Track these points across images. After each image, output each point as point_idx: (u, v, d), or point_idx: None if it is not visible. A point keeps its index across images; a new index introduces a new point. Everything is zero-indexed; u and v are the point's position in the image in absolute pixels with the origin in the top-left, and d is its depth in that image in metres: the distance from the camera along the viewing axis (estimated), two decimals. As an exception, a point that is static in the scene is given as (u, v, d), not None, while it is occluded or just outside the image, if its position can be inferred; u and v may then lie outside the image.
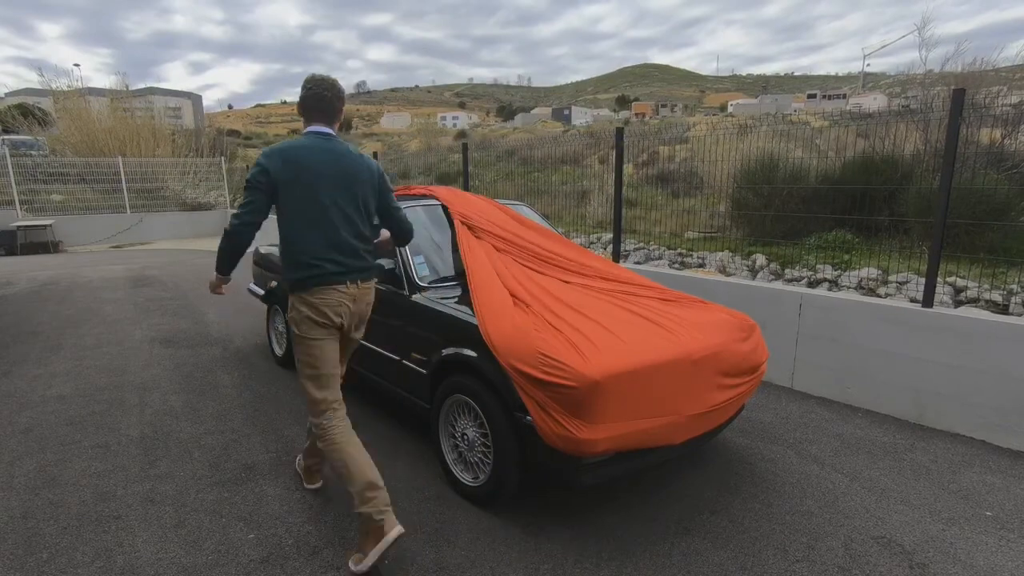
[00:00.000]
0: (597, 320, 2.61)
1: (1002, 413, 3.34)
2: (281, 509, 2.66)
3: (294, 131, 77.30)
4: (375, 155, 9.51)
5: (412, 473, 2.99)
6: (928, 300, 3.70)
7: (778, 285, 4.71)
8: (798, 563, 2.30)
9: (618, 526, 2.54)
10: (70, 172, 15.32)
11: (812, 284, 7.38)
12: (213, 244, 14.16)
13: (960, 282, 6.53)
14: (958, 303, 6.30)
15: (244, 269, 6.82)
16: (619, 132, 5.50)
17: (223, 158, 18.26)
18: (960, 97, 3.53)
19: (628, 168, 15.47)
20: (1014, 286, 6.31)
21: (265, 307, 5.10)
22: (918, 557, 2.34)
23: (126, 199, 15.02)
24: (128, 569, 2.24)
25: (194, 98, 79.30)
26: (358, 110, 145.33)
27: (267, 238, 7.36)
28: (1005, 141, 8.67)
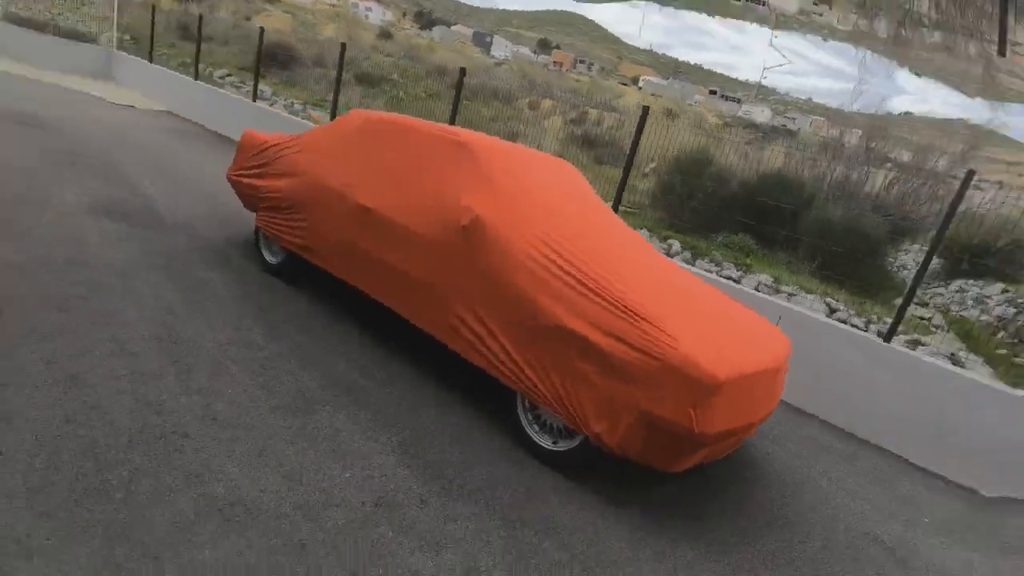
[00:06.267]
0: (713, 326, 2.80)
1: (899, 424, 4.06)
2: (365, 447, 2.54)
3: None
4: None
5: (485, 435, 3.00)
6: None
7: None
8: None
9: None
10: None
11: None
12: (95, 87, 11.78)
13: (834, 303, 7.64)
14: (831, 322, 7.38)
15: (226, 155, 5.61)
16: (645, 109, 5.56)
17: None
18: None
19: (556, 120, 15.44)
20: (873, 316, 7.61)
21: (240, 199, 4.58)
22: (899, 553, 2.93)
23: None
24: (237, 502, 2.04)
25: None
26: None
27: (251, 124, 5.69)
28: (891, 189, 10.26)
